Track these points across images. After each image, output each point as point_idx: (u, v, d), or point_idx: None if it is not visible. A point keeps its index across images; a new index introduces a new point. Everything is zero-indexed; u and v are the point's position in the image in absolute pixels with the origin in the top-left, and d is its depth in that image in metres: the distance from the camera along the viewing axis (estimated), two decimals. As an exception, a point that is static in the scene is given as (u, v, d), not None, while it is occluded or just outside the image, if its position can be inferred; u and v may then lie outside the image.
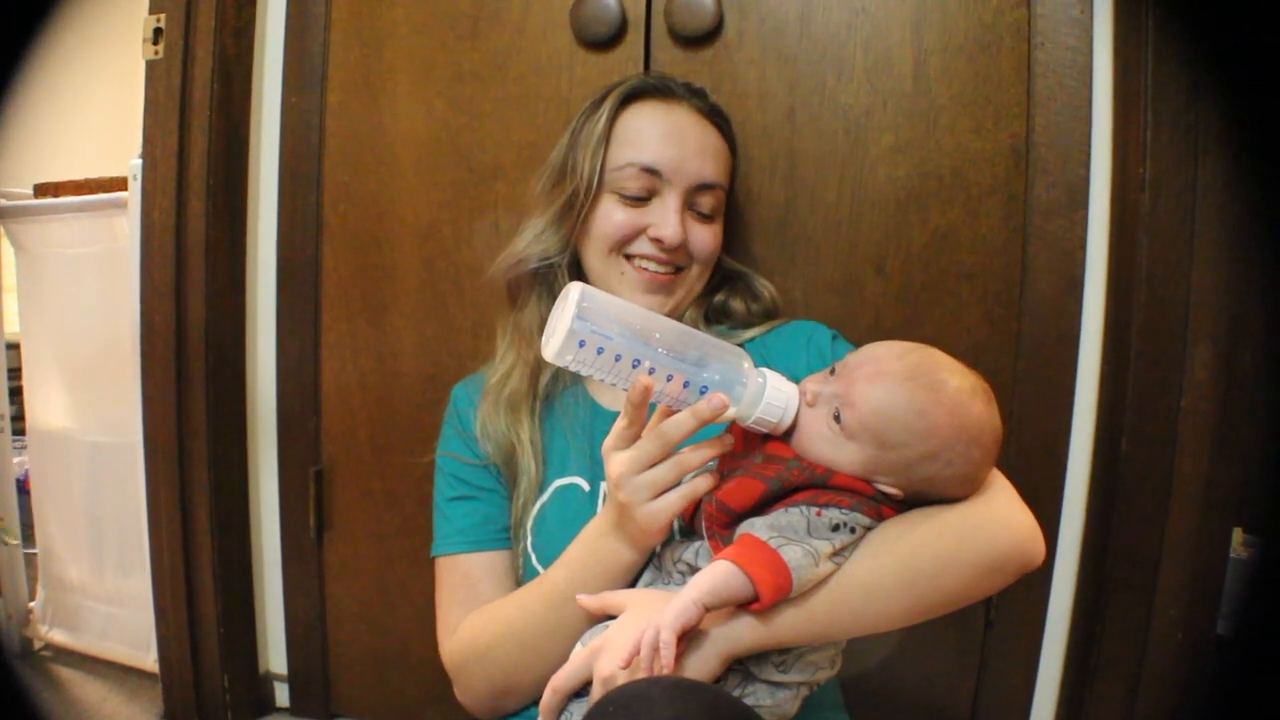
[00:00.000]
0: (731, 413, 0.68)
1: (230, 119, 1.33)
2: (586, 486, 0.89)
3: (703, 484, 0.70)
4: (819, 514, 0.65)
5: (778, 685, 0.68)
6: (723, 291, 1.02)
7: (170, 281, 1.31)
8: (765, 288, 1.04)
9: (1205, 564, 1.07)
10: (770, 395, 0.68)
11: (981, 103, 1.13)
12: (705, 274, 0.96)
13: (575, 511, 0.87)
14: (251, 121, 1.36)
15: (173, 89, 1.31)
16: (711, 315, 1.01)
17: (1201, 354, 1.05)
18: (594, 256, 0.92)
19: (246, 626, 1.42)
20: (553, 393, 0.95)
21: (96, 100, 1.90)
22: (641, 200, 0.89)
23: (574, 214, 0.90)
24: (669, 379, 0.67)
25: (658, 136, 0.89)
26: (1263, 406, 1.10)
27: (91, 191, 1.52)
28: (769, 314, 1.03)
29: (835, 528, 0.65)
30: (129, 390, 1.38)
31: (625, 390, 0.68)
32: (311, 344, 1.35)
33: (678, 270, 0.92)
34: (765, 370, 0.70)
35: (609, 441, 0.72)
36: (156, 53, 1.33)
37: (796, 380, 0.92)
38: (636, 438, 0.70)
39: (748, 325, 1.01)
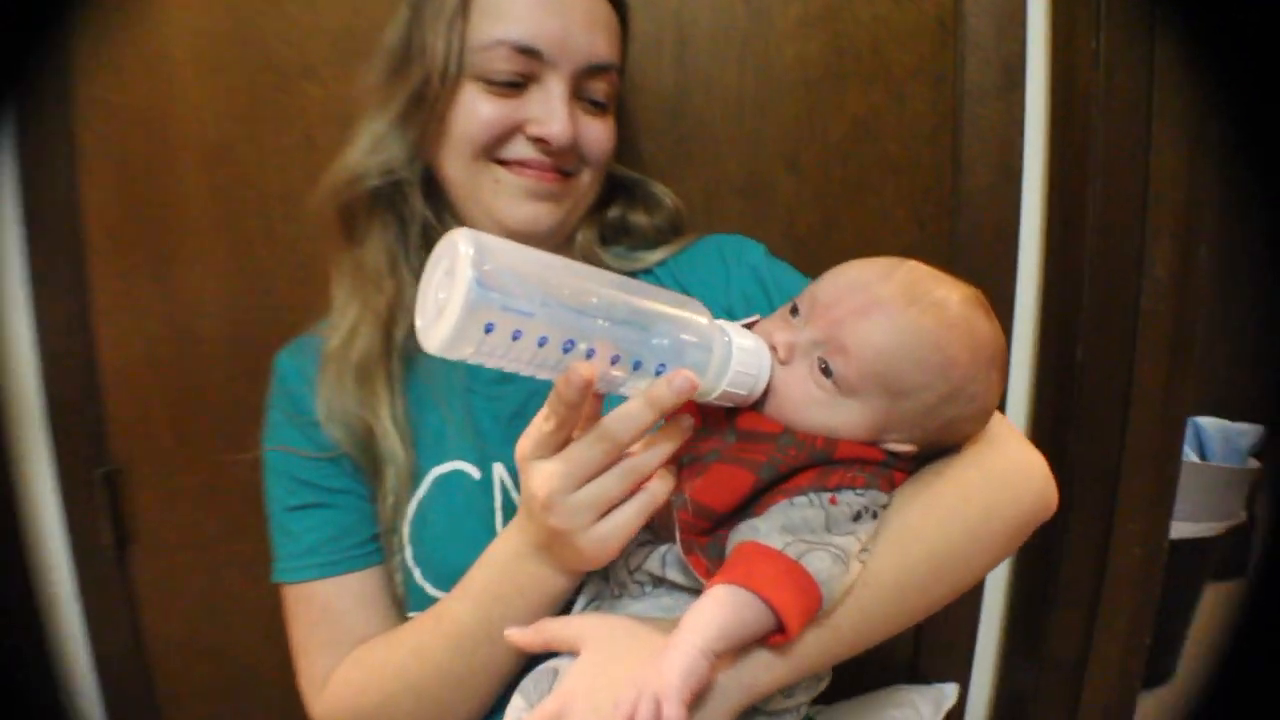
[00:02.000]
0: (698, 386, 0.50)
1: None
2: (475, 473, 0.70)
3: (661, 489, 0.52)
4: (833, 501, 0.51)
5: (779, 713, 0.54)
6: (617, 204, 0.82)
7: None
8: (666, 194, 0.84)
9: (1163, 471, 0.98)
10: (738, 359, 0.51)
11: (901, -35, 0.95)
12: (598, 180, 0.76)
13: (465, 507, 0.69)
14: (-40, 17, 1.01)
15: None
16: (606, 235, 0.80)
17: (1162, 250, 0.92)
18: (454, 165, 0.71)
19: (41, 675, 1.12)
20: (414, 350, 0.73)
21: None
22: (515, 88, 0.68)
23: (425, 111, 0.69)
24: (615, 360, 0.47)
25: (534, 3, 0.67)
26: (1218, 302, 0.99)
27: None
28: (673, 229, 0.84)
29: (857, 516, 0.52)
30: None
31: (549, 377, 0.49)
32: (79, 309, 1.05)
33: (565, 176, 0.72)
34: (724, 323, 0.53)
35: (526, 447, 0.52)
36: None
37: (731, 317, 0.73)
38: (567, 440, 0.51)
39: (652, 245, 0.80)
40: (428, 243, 0.74)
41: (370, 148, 0.72)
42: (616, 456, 0.50)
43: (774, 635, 0.48)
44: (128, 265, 1.04)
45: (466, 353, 0.44)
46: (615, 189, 0.84)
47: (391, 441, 0.70)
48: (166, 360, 1.05)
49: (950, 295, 0.55)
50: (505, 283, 0.44)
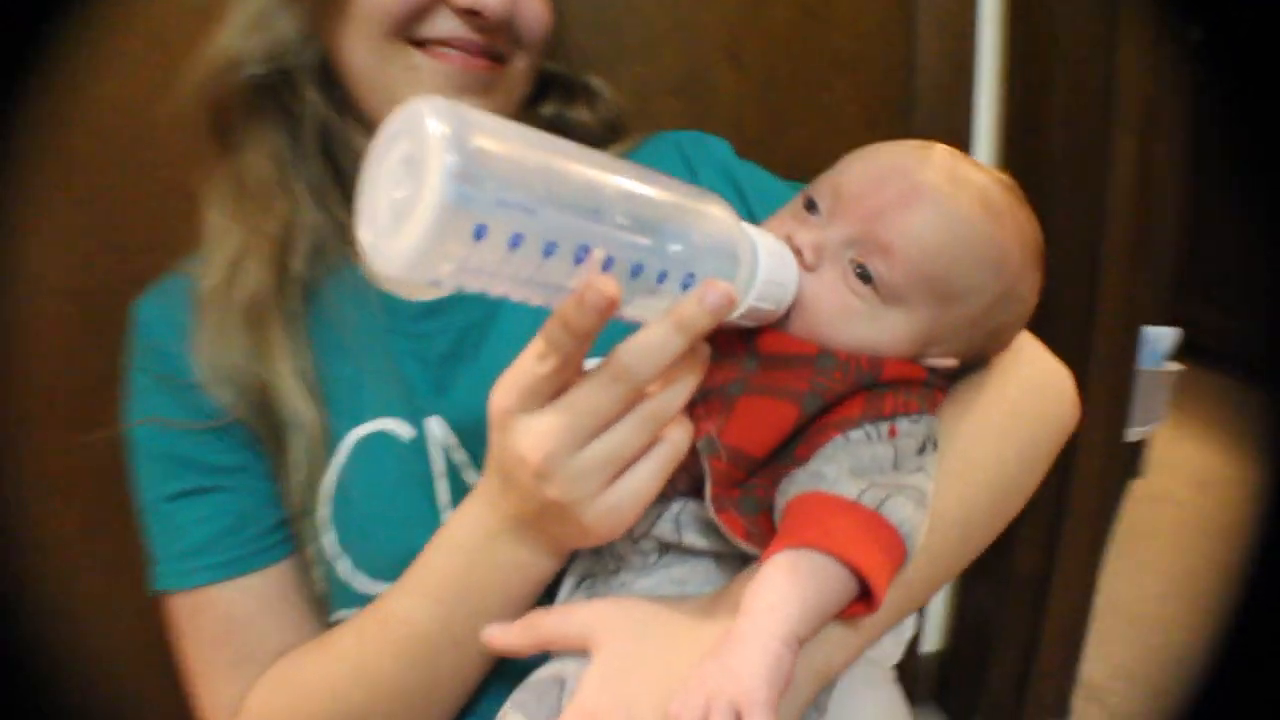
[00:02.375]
0: (736, 301, 0.39)
1: None
2: (406, 432, 0.57)
3: (683, 437, 0.41)
4: (893, 433, 0.44)
5: None
6: (552, 100, 0.69)
7: None
8: (604, 88, 0.72)
9: (1123, 379, 0.96)
10: (765, 265, 0.41)
11: None
12: (533, 70, 0.63)
13: (397, 476, 0.56)
14: None
15: None
16: None
17: (1125, 147, 0.87)
18: (358, 47, 0.56)
19: None
20: (316, 284, 0.61)
21: None
22: None
23: None
24: (636, 272, 0.36)
25: None
26: (1171, 203, 0.96)
27: None
28: (612, 129, 0.72)
29: (921, 448, 0.44)
30: None
31: (546, 303, 0.37)
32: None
33: (496, 60, 0.58)
34: (745, 225, 0.42)
35: (509, 398, 0.40)
36: None
37: None
38: (565, 385, 0.39)
39: (597, 145, 0.68)
40: (325, 148, 0.60)
41: (250, 25, 0.57)
42: (634, 401, 0.39)
43: (855, 605, 0.40)
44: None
45: (444, 271, 0.32)
46: (545, 84, 0.71)
47: (296, 400, 0.56)
48: (-14, 318, 0.86)
49: (990, 181, 0.47)
50: (500, 169, 0.31)
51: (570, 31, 0.79)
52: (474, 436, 0.57)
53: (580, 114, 0.70)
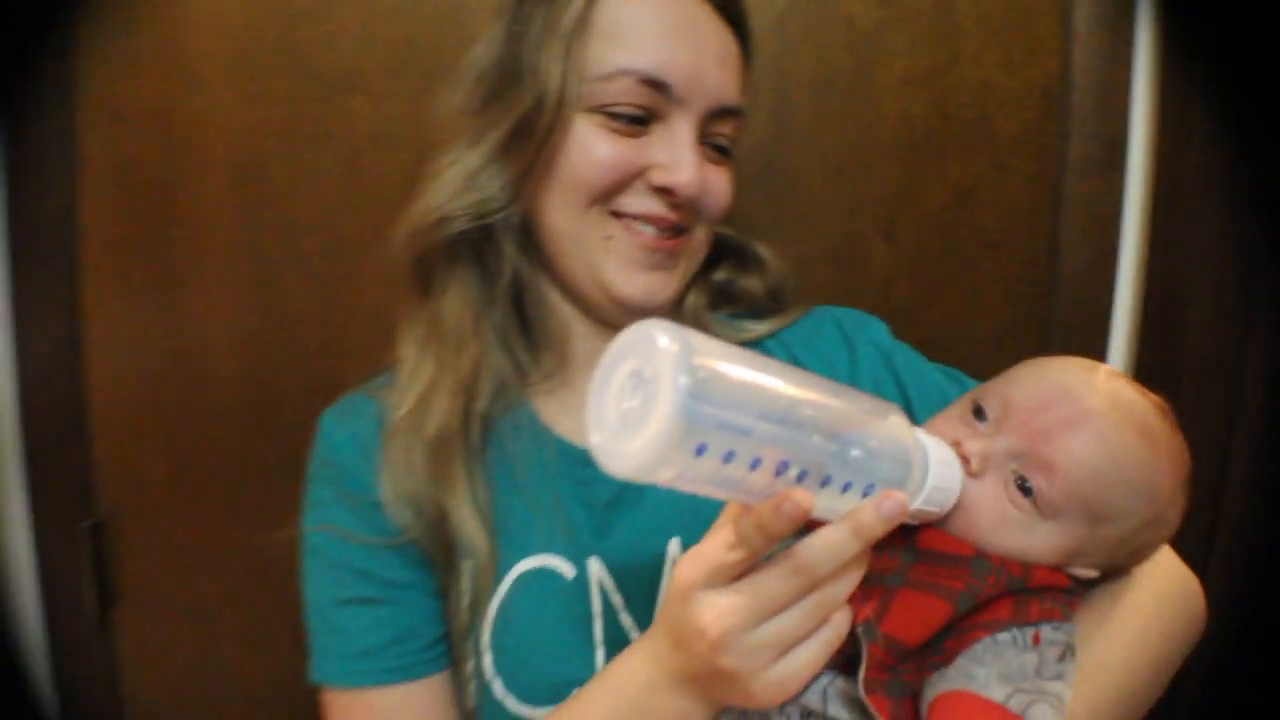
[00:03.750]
0: (908, 512, 0.44)
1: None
2: (568, 571, 0.61)
3: (845, 621, 0.45)
4: (1037, 640, 0.46)
5: None
6: (724, 267, 0.74)
7: None
8: (772, 258, 0.76)
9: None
10: (935, 472, 0.45)
11: (1013, 29, 0.90)
12: (710, 239, 0.68)
13: (556, 612, 0.60)
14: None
15: None
16: (712, 299, 0.73)
17: (1258, 345, 0.88)
18: (560, 212, 0.61)
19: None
20: (495, 422, 0.65)
21: None
22: (637, 126, 0.59)
23: (530, 145, 0.59)
24: (825, 483, 0.40)
25: (666, 31, 0.58)
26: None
27: None
28: (776, 296, 0.76)
29: (1062, 656, 0.46)
30: None
31: (747, 501, 0.40)
32: (68, 335, 0.92)
33: (679, 233, 0.63)
34: (917, 432, 0.46)
35: (696, 574, 0.44)
36: None
37: None
38: (745, 571, 0.43)
39: (758, 314, 0.72)
40: (517, 299, 0.65)
41: (460, 186, 0.61)
42: (809, 592, 0.43)
43: None
44: (128, 288, 0.92)
45: (665, 477, 0.36)
46: (719, 249, 0.75)
47: (471, 530, 0.60)
48: (167, 399, 0.93)
49: (1150, 410, 0.50)
50: (720, 392, 0.35)
51: (739, 200, 0.84)
52: (630, 580, 0.62)
53: (750, 282, 0.75)
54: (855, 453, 0.41)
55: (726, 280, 0.73)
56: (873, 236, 0.90)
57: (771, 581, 0.42)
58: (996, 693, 0.43)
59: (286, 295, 0.92)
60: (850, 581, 0.44)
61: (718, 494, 0.39)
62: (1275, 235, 0.86)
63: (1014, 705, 0.43)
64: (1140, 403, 0.50)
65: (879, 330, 0.71)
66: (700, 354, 0.35)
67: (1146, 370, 0.94)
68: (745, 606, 0.42)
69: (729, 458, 0.35)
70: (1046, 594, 0.48)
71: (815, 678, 0.47)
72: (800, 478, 0.38)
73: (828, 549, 0.41)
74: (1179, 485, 0.50)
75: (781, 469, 0.37)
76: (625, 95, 0.58)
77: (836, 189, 0.90)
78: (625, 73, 0.57)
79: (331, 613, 0.61)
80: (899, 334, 0.91)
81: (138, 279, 0.92)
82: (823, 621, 0.44)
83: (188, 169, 0.90)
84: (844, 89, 0.88)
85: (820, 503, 0.40)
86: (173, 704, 0.99)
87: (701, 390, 0.34)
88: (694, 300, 0.69)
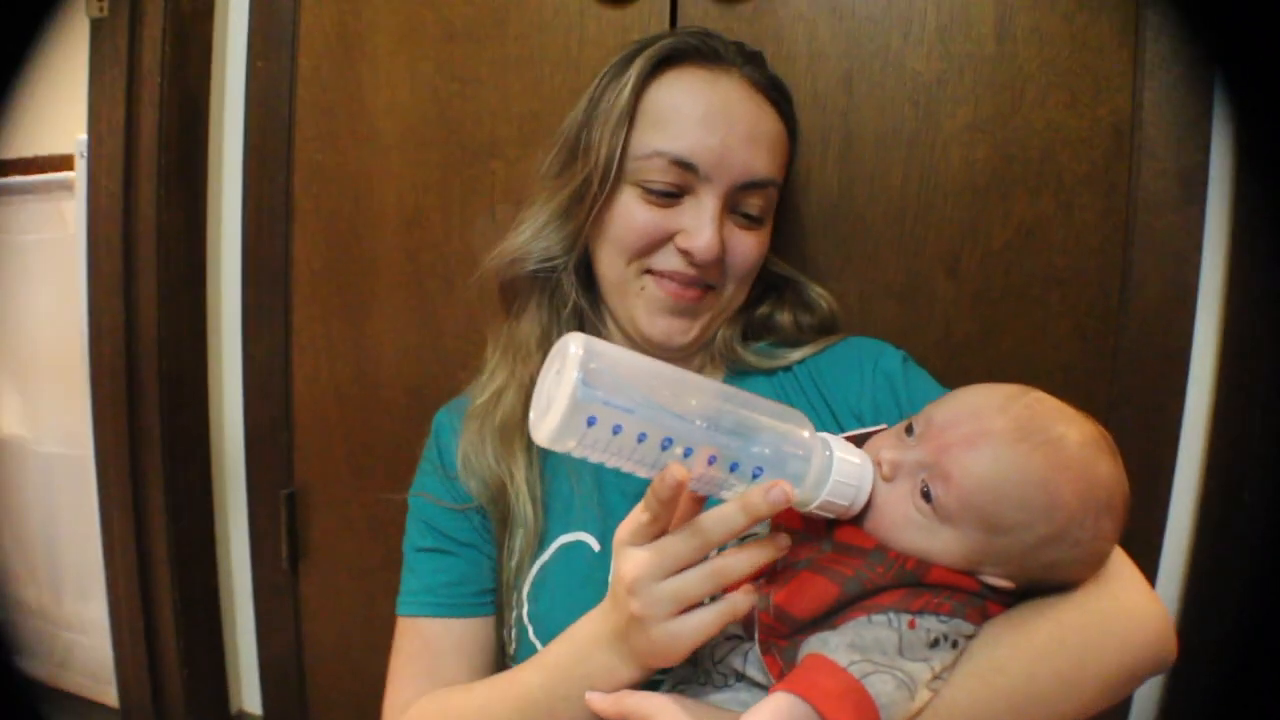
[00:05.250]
0: (793, 498, 0.51)
1: (185, 87, 1.15)
2: (596, 545, 0.73)
3: (744, 603, 0.53)
4: (912, 625, 0.51)
5: None
6: (768, 302, 0.85)
7: (118, 276, 1.14)
8: (822, 297, 0.86)
9: None
10: (839, 471, 0.52)
11: (1079, 71, 0.93)
12: (744, 290, 0.79)
13: (584, 577, 0.72)
14: (211, 90, 1.18)
15: (119, 53, 1.13)
16: (750, 331, 0.83)
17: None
18: (608, 263, 0.76)
19: (214, 664, 1.26)
20: None
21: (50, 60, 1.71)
22: (671, 197, 0.72)
23: (585, 207, 0.73)
24: (710, 461, 0.50)
25: (697, 118, 0.71)
26: None
27: (39, 171, 1.33)
28: (825, 329, 0.86)
29: (934, 643, 0.51)
30: (84, 398, 1.22)
31: (648, 475, 0.51)
32: (282, 348, 1.18)
33: (708, 289, 0.75)
34: (828, 437, 0.54)
35: (623, 533, 0.55)
36: (101, 9, 1.14)
37: (860, 423, 0.73)
38: (661, 532, 0.53)
39: (795, 343, 0.82)
40: (579, 325, 0.80)
41: (533, 234, 0.77)
42: (704, 554, 0.52)
43: None
44: (326, 311, 1.17)
45: (569, 444, 0.49)
46: (770, 286, 0.87)
47: (523, 502, 0.74)
48: (350, 398, 1.17)
49: (1069, 434, 0.54)
50: (608, 382, 0.48)
51: (801, 239, 0.95)
52: None
53: (783, 317, 0.85)
54: (751, 445, 0.51)
55: (767, 314, 0.84)
56: (936, 274, 0.97)
57: (674, 541, 0.52)
58: (841, 657, 0.49)
59: (440, 319, 1.13)
60: (749, 559, 0.52)
61: (622, 465, 0.50)
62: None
63: (855, 671, 0.48)
64: (1055, 427, 0.54)
65: (892, 359, 0.78)
66: (600, 357, 0.48)
67: (1223, 413, 0.93)
68: (651, 560, 0.52)
69: (617, 430, 0.48)
70: (945, 592, 0.53)
71: (741, 643, 0.56)
72: (685, 454, 0.49)
73: (719, 517, 0.51)
74: (1090, 508, 0.53)
75: (666, 444, 0.49)
76: (659, 173, 0.70)
77: (901, 231, 0.97)
78: (659, 154, 0.70)
79: (412, 557, 0.78)
80: (962, 368, 0.97)
81: (332, 304, 1.17)
82: (718, 587, 0.52)
83: (369, 218, 1.14)
84: (908, 139, 0.96)
85: (719, 481, 0.51)
86: (339, 643, 1.22)
87: (590, 379, 0.47)
88: (724, 333, 0.80)
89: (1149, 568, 0.95)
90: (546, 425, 0.48)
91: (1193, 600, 0.95)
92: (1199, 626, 0.94)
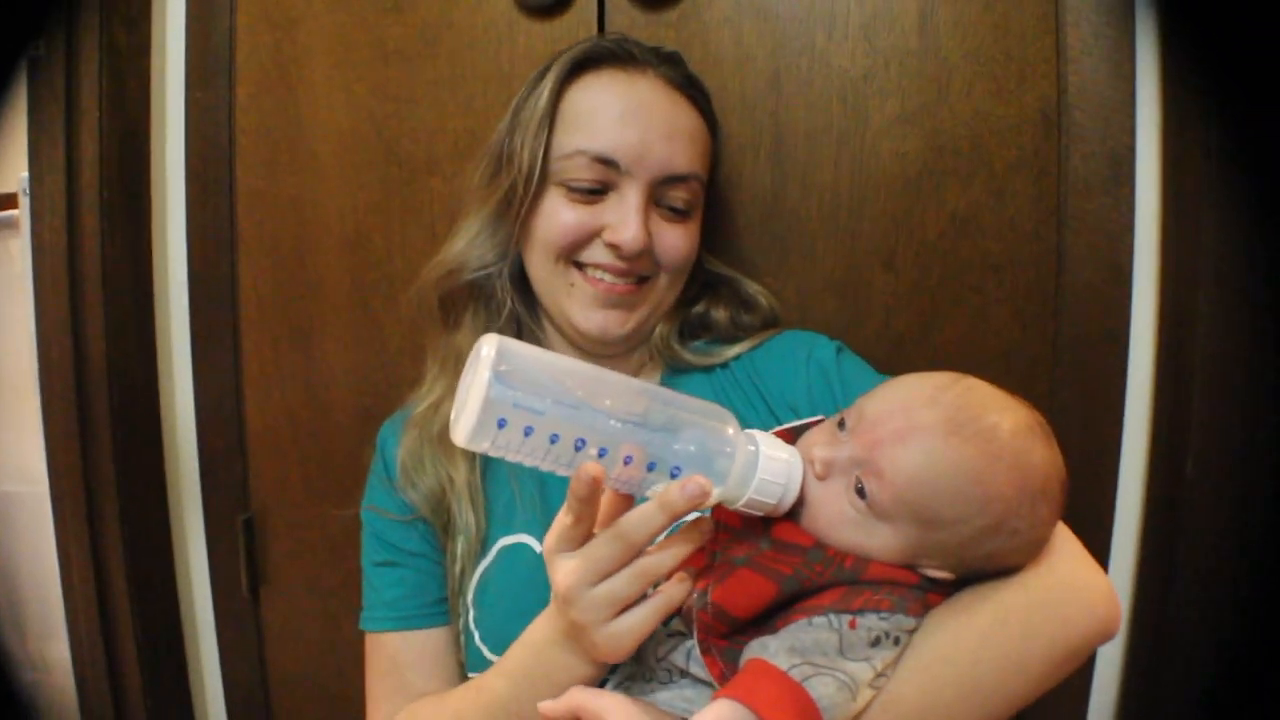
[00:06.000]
0: (717, 495, 0.51)
1: (125, 121, 1.15)
2: (538, 547, 0.73)
3: (678, 593, 0.54)
4: (852, 625, 0.50)
5: None
6: (704, 300, 0.86)
7: (65, 310, 1.13)
8: (760, 294, 0.88)
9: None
10: (765, 469, 0.52)
11: (1002, 60, 0.94)
12: (678, 282, 0.80)
13: (527, 580, 0.71)
14: (151, 123, 1.18)
15: (56, 90, 1.12)
16: (688, 330, 0.84)
17: (1271, 358, 0.86)
18: (539, 264, 0.77)
19: (180, 696, 1.25)
20: None
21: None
22: (595, 194, 0.73)
23: (514, 212, 0.75)
24: (627, 460, 0.50)
25: (616, 116, 0.73)
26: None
27: (-15, 208, 1.33)
28: (767, 326, 0.87)
29: (875, 641, 0.51)
30: (37, 434, 1.21)
31: (568, 475, 0.51)
32: (232, 374, 1.18)
33: (641, 280, 0.76)
34: (756, 433, 0.54)
35: (551, 541, 0.55)
36: (37, 47, 1.14)
37: (796, 415, 0.73)
38: (586, 537, 0.53)
39: (732, 340, 0.83)
40: (516, 331, 0.80)
41: (466, 244, 0.79)
42: (632, 555, 0.52)
43: None
44: (275, 336, 1.17)
45: (484, 445, 0.49)
46: (707, 285, 0.87)
47: (464, 509, 0.74)
48: (303, 422, 1.16)
49: (1001, 423, 0.53)
50: (520, 382, 0.48)
51: (737, 238, 0.96)
52: None
53: (719, 314, 0.85)
54: (673, 443, 0.51)
55: (703, 312, 0.85)
56: (873, 267, 0.97)
57: (599, 547, 0.52)
58: (781, 661, 0.48)
59: (385, 337, 1.12)
60: (672, 555, 0.52)
61: (540, 465, 0.50)
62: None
63: (795, 674, 0.48)
64: (986, 417, 0.53)
65: (826, 349, 0.79)
66: (512, 359, 0.48)
67: (1165, 388, 0.93)
68: (580, 567, 0.52)
69: (528, 431, 0.48)
70: (884, 587, 0.52)
71: (683, 640, 0.56)
72: (600, 454, 0.49)
73: (640, 517, 0.51)
74: (1026, 497, 0.53)
75: (580, 444, 0.49)
76: (582, 171, 0.72)
77: (836, 226, 0.97)
78: (580, 153, 0.72)
79: (370, 572, 0.79)
80: (904, 359, 0.97)
81: (280, 328, 1.16)
82: (647, 585, 0.52)
83: (312, 241, 1.14)
84: (837, 135, 0.97)
85: (640, 480, 0.51)
86: (304, 668, 1.20)
87: (501, 379, 0.47)
88: (661, 330, 0.81)
89: (1101, 546, 0.96)
90: (461, 427, 0.48)
91: (1147, 575, 0.95)
92: (1155, 604, 0.94)
